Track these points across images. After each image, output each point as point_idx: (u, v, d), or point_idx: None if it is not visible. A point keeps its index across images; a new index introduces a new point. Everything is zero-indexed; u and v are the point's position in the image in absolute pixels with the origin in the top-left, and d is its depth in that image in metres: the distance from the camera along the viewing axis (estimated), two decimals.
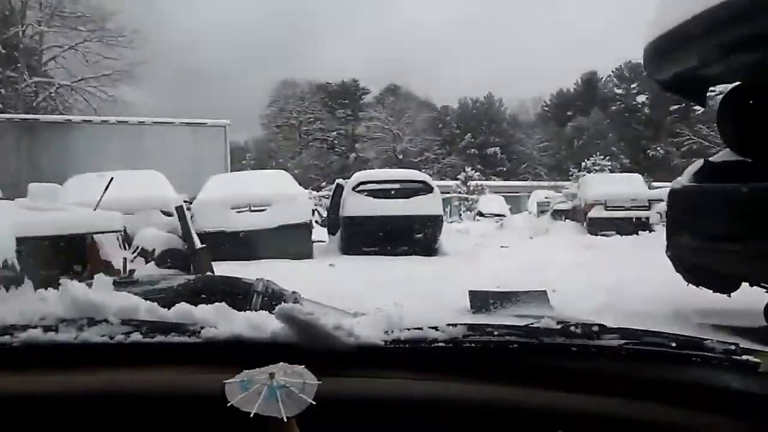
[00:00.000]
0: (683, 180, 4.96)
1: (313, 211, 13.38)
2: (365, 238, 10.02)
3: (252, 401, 0.71)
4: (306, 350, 0.84)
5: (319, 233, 11.90)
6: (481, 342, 0.89)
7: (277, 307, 0.87)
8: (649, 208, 16.33)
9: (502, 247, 14.20)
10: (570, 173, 37.55)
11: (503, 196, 33.11)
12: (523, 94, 65.83)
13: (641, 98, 57.49)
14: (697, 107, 54.71)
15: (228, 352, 0.86)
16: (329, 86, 61.71)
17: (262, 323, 0.88)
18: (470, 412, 0.81)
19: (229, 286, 1.57)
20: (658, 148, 51.29)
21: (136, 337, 0.88)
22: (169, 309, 0.97)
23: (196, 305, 0.96)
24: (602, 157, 37.71)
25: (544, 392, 0.83)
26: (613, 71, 58.47)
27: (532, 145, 55.12)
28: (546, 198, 22.69)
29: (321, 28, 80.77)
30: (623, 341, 0.89)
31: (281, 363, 0.77)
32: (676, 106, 55.62)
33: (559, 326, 0.93)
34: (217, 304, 0.96)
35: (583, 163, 36.67)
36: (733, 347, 0.89)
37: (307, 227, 9.51)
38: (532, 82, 79.02)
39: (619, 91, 58.51)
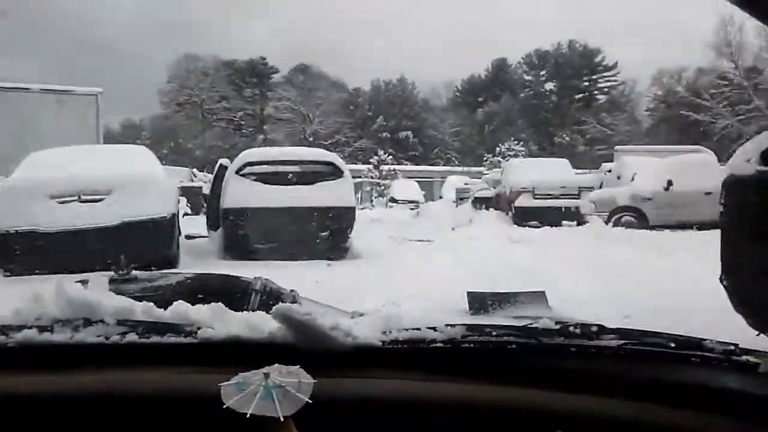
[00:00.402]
0: (754, 160, 2.96)
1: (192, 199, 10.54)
2: (252, 237, 7.45)
3: (248, 402, 0.70)
4: (303, 350, 0.83)
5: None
6: (480, 342, 0.88)
7: (274, 307, 0.86)
8: (579, 196, 14.65)
9: (422, 241, 12.13)
10: (484, 158, 36.32)
11: (416, 181, 31.21)
12: (435, 78, 64.33)
13: (549, 86, 57.53)
14: (599, 96, 56.13)
15: (225, 352, 0.85)
16: (236, 63, 57.69)
17: (259, 324, 0.88)
18: (469, 412, 0.80)
19: (227, 285, 1.53)
20: (564, 135, 51.36)
21: (132, 337, 0.87)
22: (165, 309, 0.95)
23: (193, 304, 0.95)
24: (516, 142, 36.64)
25: (543, 393, 0.81)
26: (522, 58, 58.18)
27: (444, 129, 53.79)
28: (466, 184, 20.74)
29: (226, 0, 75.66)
30: (622, 341, 0.88)
31: (276, 364, 0.76)
32: (580, 95, 56.18)
33: (557, 327, 0.92)
34: (213, 304, 0.94)
35: (498, 148, 35.40)
36: (732, 348, 0.88)
37: (169, 223, 6.74)
38: (444, 66, 77.65)
39: (529, 78, 58.27)
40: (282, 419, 0.69)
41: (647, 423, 0.79)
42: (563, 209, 14.56)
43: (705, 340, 0.90)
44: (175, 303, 0.96)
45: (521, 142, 37.95)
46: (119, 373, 0.84)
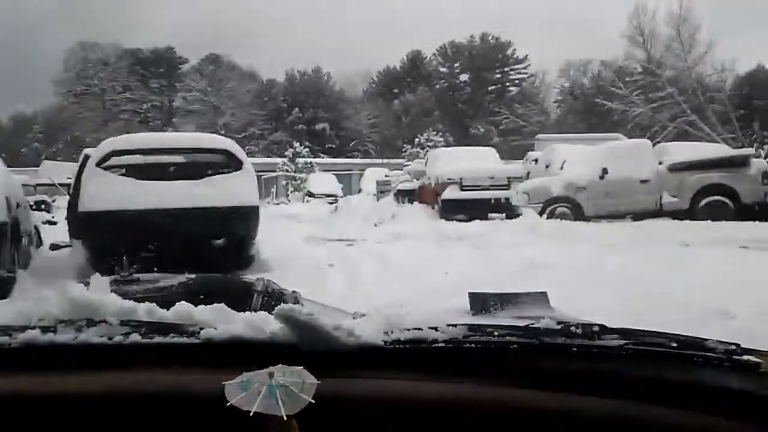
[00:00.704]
0: None
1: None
2: (120, 249, 5.54)
3: (251, 400, 0.68)
4: (306, 351, 0.82)
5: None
6: (482, 342, 0.87)
7: (276, 308, 0.85)
8: (508, 186, 13.46)
9: (343, 240, 10.58)
10: (402, 149, 35.05)
11: (334, 174, 29.55)
12: (351, 68, 62.21)
13: (463, 77, 57.18)
14: (511, 88, 56.56)
15: (227, 353, 0.83)
16: (141, 53, 53.68)
17: (262, 324, 0.86)
18: (471, 412, 0.79)
19: (229, 286, 1.54)
20: (479, 126, 51.23)
21: (135, 337, 0.85)
22: (168, 309, 0.94)
23: (195, 305, 0.93)
24: (434, 132, 35.58)
25: (545, 393, 0.80)
26: (437, 50, 57.47)
27: (361, 121, 52.22)
28: (387, 176, 19.19)
29: None
30: (624, 341, 0.87)
31: (280, 365, 0.74)
32: (493, 87, 56.24)
33: (559, 327, 0.92)
34: (216, 304, 0.93)
35: (417, 139, 34.17)
36: (733, 347, 0.87)
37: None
38: (360, 56, 75.81)
39: (444, 70, 57.71)
40: (285, 419, 0.67)
41: (649, 423, 0.77)
42: (492, 201, 13.35)
43: (707, 339, 0.89)
44: (177, 304, 0.95)
45: (439, 133, 36.89)
46: (122, 373, 0.82)
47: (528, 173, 14.71)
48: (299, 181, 28.68)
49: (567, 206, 11.96)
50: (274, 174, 29.62)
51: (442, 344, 0.86)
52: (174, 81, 53.56)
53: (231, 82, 49.83)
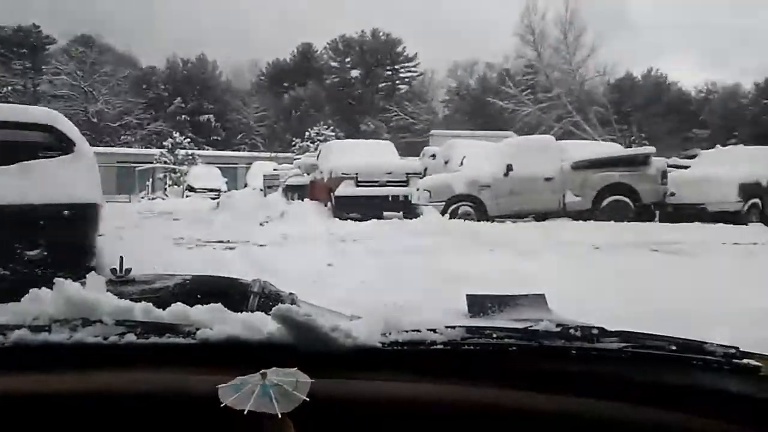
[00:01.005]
0: None
1: None
2: None
3: (245, 400, 0.68)
4: (303, 352, 0.81)
5: None
6: (480, 344, 0.86)
7: (273, 309, 0.83)
8: (407, 183, 12.33)
9: (222, 243, 9.01)
10: (292, 143, 33.25)
11: (219, 167, 27.38)
12: (238, 59, 58.87)
13: (355, 73, 56.14)
14: (401, 85, 56.42)
15: (223, 353, 0.82)
16: (2, 30, 47.68)
17: (258, 325, 0.84)
18: (468, 414, 0.77)
19: (225, 287, 1.49)
20: (370, 123, 50.53)
21: (131, 338, 0.84)
22: (164, 309, 0.92)
23: (191, 306, 0.92)
24: (326, 127, 34.08)
25: (543, 395, 0.79)
26: (328, 44, 55.95)
27: (249, 113, 49.59)
28: (275, 170, 17.46)
29: None
30: (623, 344, 0.86)
31: (274, 367, 0.73)
32: (384, 84, 55.68)
33: (558, 329, 0.90)
34: (212, 305, 0.91)
35: (307, 133, 32.50)
36: (733, 350, 0.87)
37: None
38: (247, 47, 71.95)
39: (335, 65, 56.34)
40: (280, 417, 0.67)
41: (648, 426, 0.76)
42: (390, 198, 12.17)
43: (706, 343, 0.88)
44: (173, 304, 0.92)
45: (330, 127, 35.42)
46: (117, 373, 0.80)
47: (425, 169, 13.71)
48: (179, 174, 26.10)
49: (470, 205, 11.01)
50: (149, 166, 26.79)
51: (440, 346, 0.84)
52: (39, 63, 48.02)
53: (105, 67, 45.32)
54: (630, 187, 11.10)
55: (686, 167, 13.49)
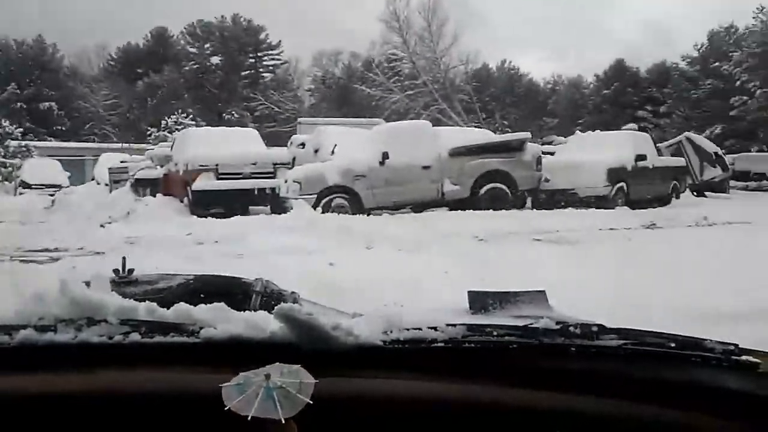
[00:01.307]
0: None
1: None
2: None
3: (249, 404, 0.67)
4: (305, 350, 0.79)
5: None
6: (481, 342, 0.85)
7: (276, 307, 0.83)
8: (275, 174, 11.08)
9: (49, 252, 7.40)
10: (148, 133, 30.28)
11: (61, 160, 24.19)
12: (83, 42, 52.86)
13: (215, 60, 52.96)
14: (265, 73, 54.16)
15: (227, 352, 0.81)
16: None
17: (261, 323, 0.83)
18: (469, 412, 0.77)
19: (228, 286, 1.49)
20: (233, 112, 48.00)
21: (135, 337, 0.82)
22: (168, 309, 0.90)
23: (195, 305, 0.90)
24: (185, 115, 31.44)
25: (544, 393, 0.79)
26: (185, 28, 52.16)
27: (97, 101, 44.84)
28: (123, 163, 15.27)
29: None
30: (622, 341, 0.85)
31: (277, 363, 0.72)
32: (247, 72, 53.07)
33: (558, 327, 0.89)
34: (215, 304, 0.89)
35: (164, 122, 29.72)
36: (732, 347, 0.85)
37: None
38: (93, 29, 64.99)
39: (193, 51, 52.71)
40: (283, 420, 0.66)
41: (647, 423, 0.76)
42: (256, 192, 10.87)
43: (705, 339, 0.87)
44: (177, 303, 0.91)
45: (190, 116, 32.76)
46: (122, 372, 0.80)
47: (294, 159, 12.51)
48: (11, 169, 22.60)
49: (344, 197, 10.02)
50: None
51: (442, 344, 0.84)
52: None
53: None
54: (507, 174, 10.70)
55: (551, 153, 13.49)
